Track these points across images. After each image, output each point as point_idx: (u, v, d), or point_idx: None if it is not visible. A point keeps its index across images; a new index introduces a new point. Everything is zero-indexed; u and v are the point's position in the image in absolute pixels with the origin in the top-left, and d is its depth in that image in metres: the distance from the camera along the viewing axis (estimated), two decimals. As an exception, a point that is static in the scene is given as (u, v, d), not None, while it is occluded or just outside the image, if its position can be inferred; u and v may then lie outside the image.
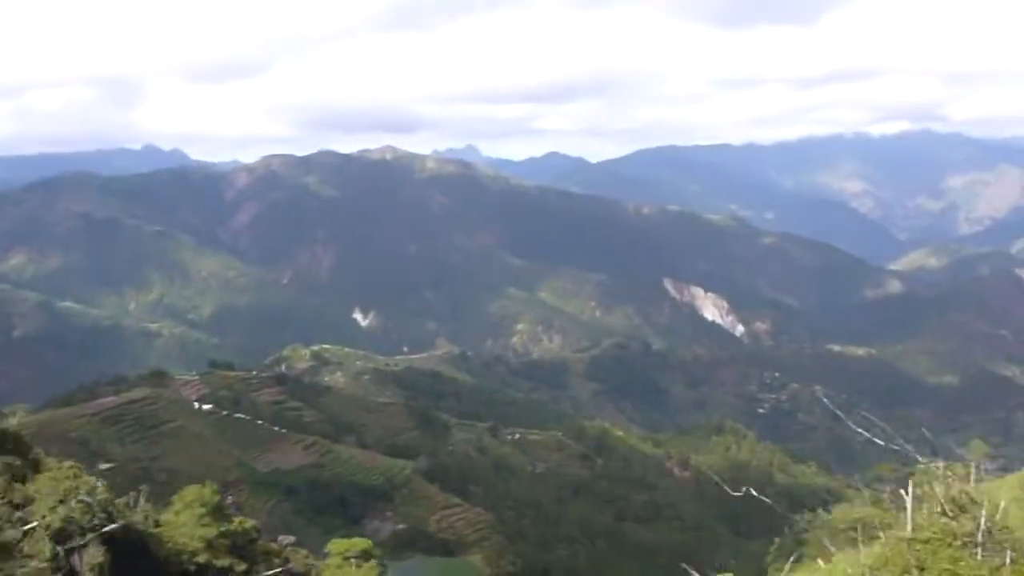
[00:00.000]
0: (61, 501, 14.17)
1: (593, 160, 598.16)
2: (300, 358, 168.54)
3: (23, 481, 14.86)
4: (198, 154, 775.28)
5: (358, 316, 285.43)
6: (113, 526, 14.83)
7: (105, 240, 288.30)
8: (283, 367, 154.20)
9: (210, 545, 18.88)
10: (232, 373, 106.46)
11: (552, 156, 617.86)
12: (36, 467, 15.69)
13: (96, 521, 14.44)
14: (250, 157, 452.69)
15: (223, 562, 19.11)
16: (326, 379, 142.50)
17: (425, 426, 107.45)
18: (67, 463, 16.06)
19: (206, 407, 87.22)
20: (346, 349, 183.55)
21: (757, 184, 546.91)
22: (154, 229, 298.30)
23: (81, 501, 14.33)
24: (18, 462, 15.19)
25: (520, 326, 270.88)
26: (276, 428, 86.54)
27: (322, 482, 78.98)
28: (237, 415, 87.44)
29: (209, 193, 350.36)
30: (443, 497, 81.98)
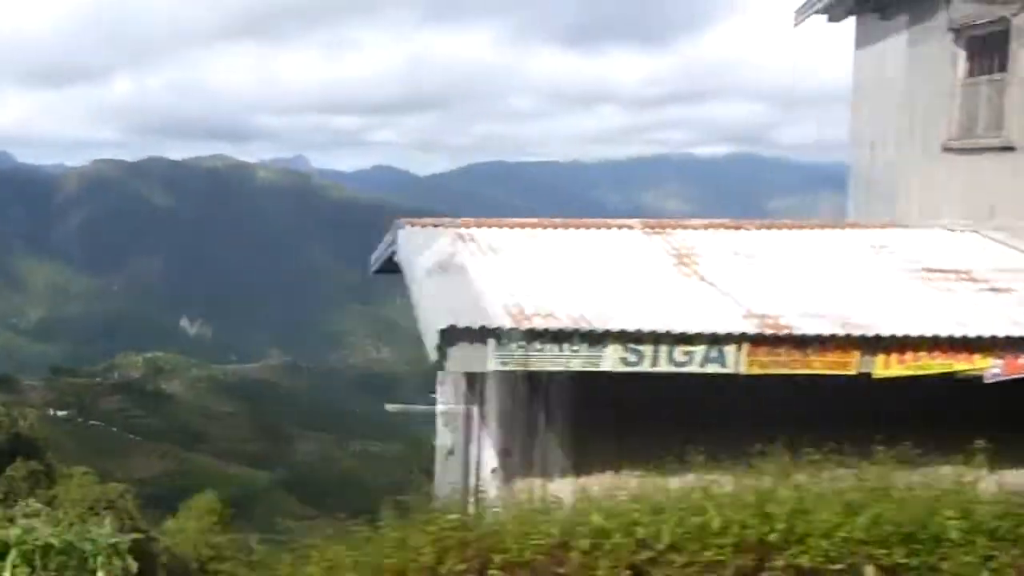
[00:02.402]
0: (90, 508, 17.14)
1: (421, 174, 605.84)
2: (133, 366, 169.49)
3: (48, 487, 20.68)
4: (25, 157, 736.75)
5: (185, 324, 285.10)
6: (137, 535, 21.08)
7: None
8: (116, 374, 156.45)
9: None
10: (76, 380, 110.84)
11: (380, 169, 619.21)
12: (50, 473, 20.78)
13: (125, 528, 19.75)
14: (79, 161, 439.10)
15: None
16: (163, 387, 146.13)
17: (269, 436, 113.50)
18: (80, 469, 20.89)
19: (60, 413, 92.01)
20: (178, 356, 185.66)
21: (583, 201, 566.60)
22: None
23: (110, 507, 17.85)
24: (41, 467, 20.87)
25: (352, 338, 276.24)
26: (130, 436, 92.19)
27: (188, 492, 78.15)
28: (92, 422, 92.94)
29: (37, 197, 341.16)
30: (302, 509, 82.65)
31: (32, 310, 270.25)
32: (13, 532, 5.33)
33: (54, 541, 5.22)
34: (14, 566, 5.16)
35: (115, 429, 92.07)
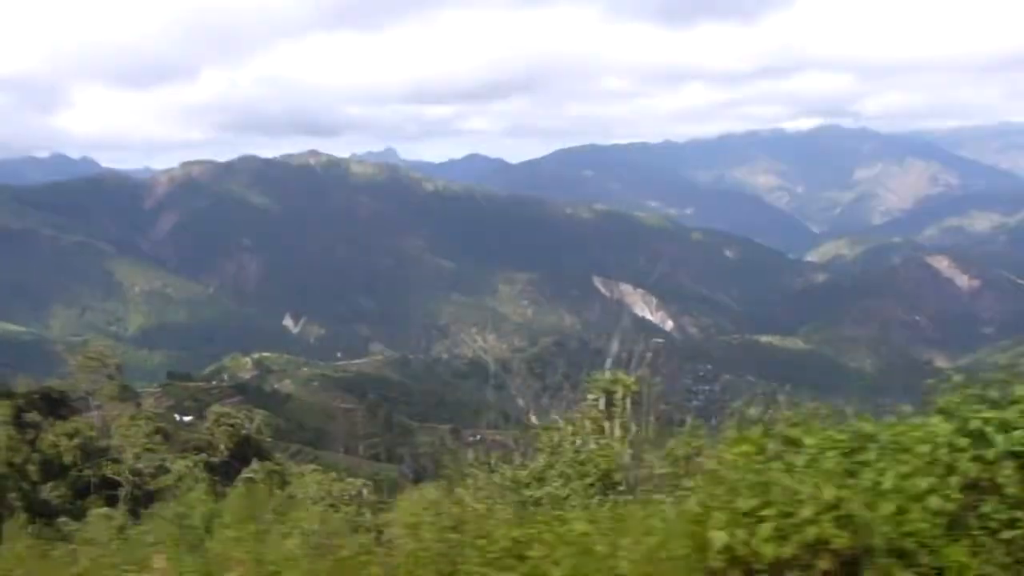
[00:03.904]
0: (331, 505, 14.72)
1: (513, 161, 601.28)
2: (242, 367, 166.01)
3: (281, 487, 15.39)
4: (108, 161, 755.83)
5: (288, 323, 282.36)
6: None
7: (22, 253, 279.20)
8: (226, 377, 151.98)
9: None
10: (191, 384, 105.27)
11: (472, 158, 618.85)
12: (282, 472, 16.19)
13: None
14: (163, 163, 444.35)
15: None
16: (276, 387, 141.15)
17: (389, 430, 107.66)
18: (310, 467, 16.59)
19: (186, 419, 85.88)
20: (286, 356, 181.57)
21: (676, 181, 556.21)
22: (73, 240, 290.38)
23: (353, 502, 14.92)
24: (277, 467, 15.71)
25: (454, 328, 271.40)
26: (264, 438, 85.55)
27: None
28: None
29: (127, 202, 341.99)
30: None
31: (131, 316, 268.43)
32: None
33: None
34: None
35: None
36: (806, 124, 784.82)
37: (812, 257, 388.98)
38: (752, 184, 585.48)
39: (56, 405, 27.01)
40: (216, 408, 40.56)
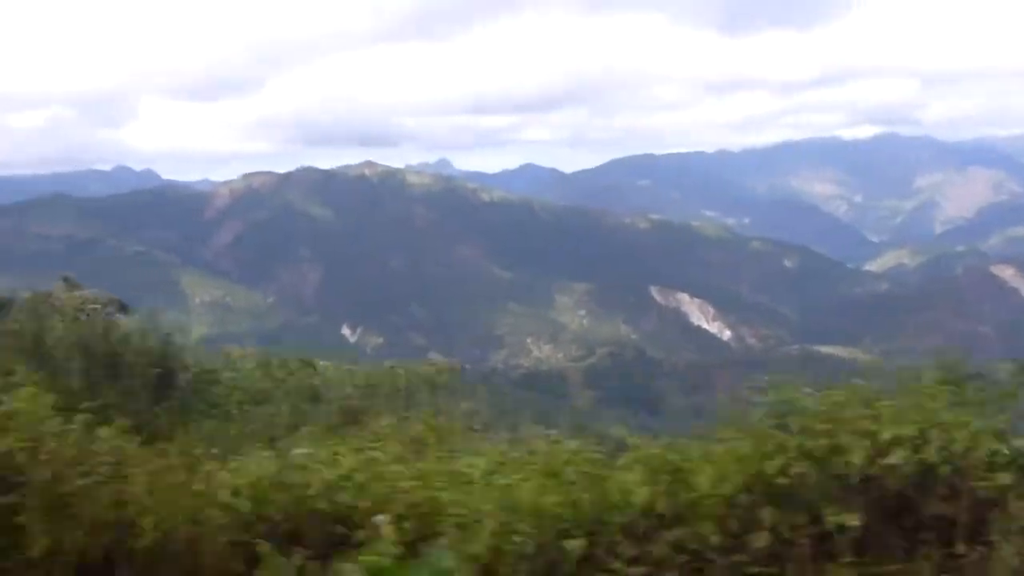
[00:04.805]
0: None
1: (567, 171, 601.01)
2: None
3: None
4: (169, 173, 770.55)
5: (346, 332, 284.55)
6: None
7: (88, 263, 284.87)
8: None
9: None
10: None
11: (526, 168, 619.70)
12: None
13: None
14: (222, 175, 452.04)
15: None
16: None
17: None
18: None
19: None
20: (345, 366, 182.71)
21: (732, 190, 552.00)
22: (135, 250, 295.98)
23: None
24: None
25: (510, 338, 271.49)
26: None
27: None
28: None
29: (189, 213, 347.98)
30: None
31: (194, 326, 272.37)
32: None
33: None
34: None
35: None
36: (865, 132, 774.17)
37: (871, 267, 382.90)
38: (809, 193, 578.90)
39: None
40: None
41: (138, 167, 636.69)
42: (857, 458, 4.65)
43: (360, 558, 4.30)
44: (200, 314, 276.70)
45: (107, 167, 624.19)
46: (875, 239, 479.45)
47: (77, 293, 25.56)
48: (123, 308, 27.68)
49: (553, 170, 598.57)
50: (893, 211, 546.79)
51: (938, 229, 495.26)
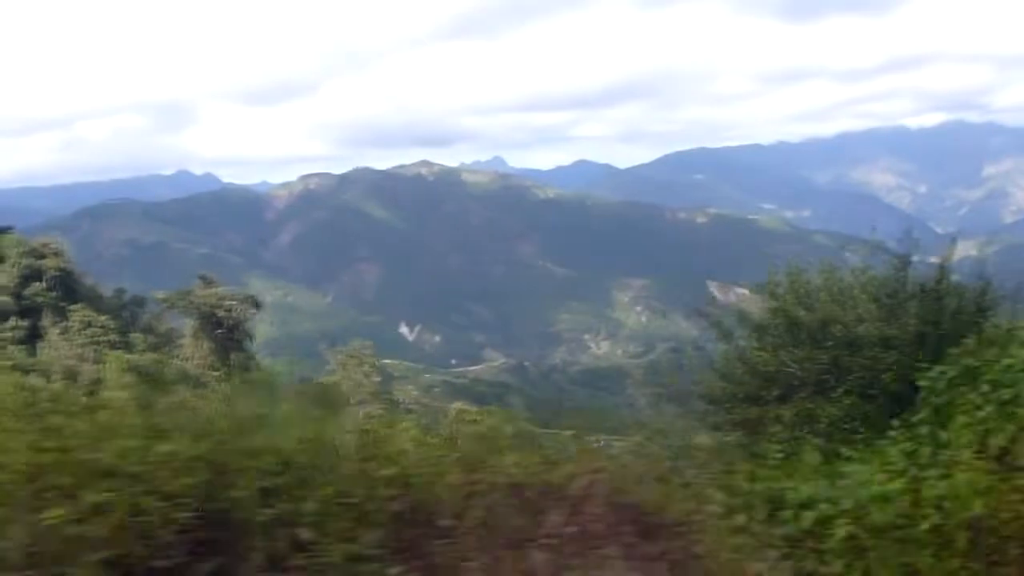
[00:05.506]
0: None
1: (621, 166, 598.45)
2: None
3: None
4: (229, 176, 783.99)
5: (404, 331, 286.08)
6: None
7: (154, 265, 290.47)
8: None
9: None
10: None
11: (581, 164, 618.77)
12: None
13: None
14: (280, 177, 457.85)
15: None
16: (397, 394, 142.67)
17: (516, 436, 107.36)
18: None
19: None
20: (406, 364, 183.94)
21: (791, 182, 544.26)
22: (200, 252, 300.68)
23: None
24: None
25: (568, 334, 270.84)
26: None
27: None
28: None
29: (249, 215, 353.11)
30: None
31: (258, 326, 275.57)
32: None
33: None
34: None
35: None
36: (931, 120, 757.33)
37: (938, 259, 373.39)
38: (871, 184, 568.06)
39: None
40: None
41: (199, 171, 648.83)
42: None
43: None
44: (263, 314, 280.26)
45: (169, 171, 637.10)
46: (940, 230, 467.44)
47: (213, 291, 26.07)
48: (256, 304, 28.40)
49: (607, 166, 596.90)
50: (959, 201, 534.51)
51: (1008, 219, 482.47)
